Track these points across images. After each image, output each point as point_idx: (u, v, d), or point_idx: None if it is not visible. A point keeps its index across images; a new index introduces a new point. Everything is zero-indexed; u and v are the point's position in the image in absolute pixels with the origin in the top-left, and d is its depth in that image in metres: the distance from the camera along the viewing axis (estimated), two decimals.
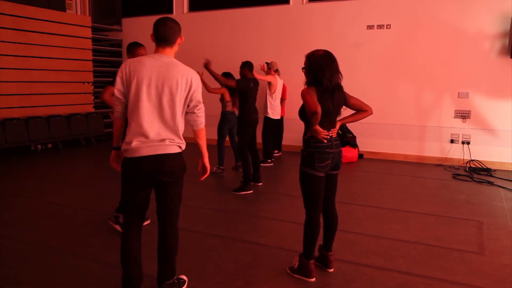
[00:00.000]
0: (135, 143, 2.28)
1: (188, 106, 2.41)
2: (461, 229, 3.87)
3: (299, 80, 8.53)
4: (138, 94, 2.28)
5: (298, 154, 8.11)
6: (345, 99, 2.82)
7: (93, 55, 8.88)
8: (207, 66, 5.10)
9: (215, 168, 5.98)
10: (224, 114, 5.96)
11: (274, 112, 6.69)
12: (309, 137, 2.75)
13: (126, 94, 2.34)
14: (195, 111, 2.44)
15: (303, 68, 2.80)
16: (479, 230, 3.85)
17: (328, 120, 2.76)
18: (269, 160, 6.78)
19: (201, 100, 2.45)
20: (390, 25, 7.07)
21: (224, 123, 5.96)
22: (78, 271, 2.96)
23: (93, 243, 3.45)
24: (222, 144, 6.02)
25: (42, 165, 6.74)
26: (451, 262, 3.14)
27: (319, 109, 2.54)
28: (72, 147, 8.33)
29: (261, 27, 8.15)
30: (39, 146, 7.78)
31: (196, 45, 8.80)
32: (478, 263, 3.14)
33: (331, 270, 2.98)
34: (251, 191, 5.08)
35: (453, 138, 6.87)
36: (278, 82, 6.72)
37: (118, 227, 3.60)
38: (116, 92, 2.35)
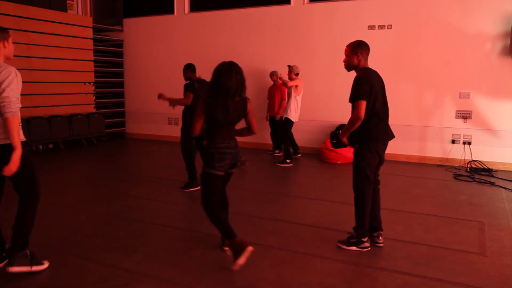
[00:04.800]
0: None
1: None
2: (462, 230, 3.86)
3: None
4: None
5: (302, 154, 8.07)
6: (244, 112, 3.03)
7: (94, 56, 8.89)
8: (161, 98, 5.20)
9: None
10: None
11: (296, 115, 6.70)
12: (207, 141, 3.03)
13: None
14: None
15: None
16: (481, 231, 3.84)
17: (226, 130, 2.99)
18: (287, 161, 6.74)
19: (8, 94, 2.65)
20: (391, 25, 7.07)
21: None
22: (78, 271, 2.96)
23: (93, 243, 3.44)
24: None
25: (43, 165, 6.74)
26: (452, 263, 3.12)
27: (195, 133, 3.00)
28: (73, 147, 8.34)
29: (262, 27, 8.15)
30: (40, 147, 7.78)
31: (197, 45, 8.81)
32: (480, 264, 3.13)
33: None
34: (199, 187, 5.00)
35: (454, 139, 6.85)
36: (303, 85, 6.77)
37: (353, 248, 3.34)
38: None
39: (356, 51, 3.32)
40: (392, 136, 3.37)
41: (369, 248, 3.32)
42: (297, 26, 7.81)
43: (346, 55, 3.37)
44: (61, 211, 4.37)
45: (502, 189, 5.36)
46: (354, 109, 3.18)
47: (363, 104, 3.13)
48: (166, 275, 2.90)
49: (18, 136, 2.66)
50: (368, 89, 3.16)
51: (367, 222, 3.32)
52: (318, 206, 4.60)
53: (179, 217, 4.20)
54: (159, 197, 4.90)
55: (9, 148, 2.64)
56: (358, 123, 3.18)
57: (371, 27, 7.19)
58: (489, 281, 2.86)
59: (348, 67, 3.39)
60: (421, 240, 3.57)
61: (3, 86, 2.68)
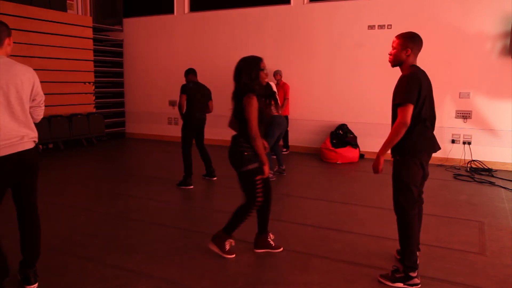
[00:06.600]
0: None
1: (33, 100, 2.60)
2: (462, 230, 3.86)
3: (299, 80, 8.54)
4: None
5: (302, 154, 8.06)
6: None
7: (94, 55, 8.89)
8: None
9: (276, 168, 5.98)
10: (273, 118, 5.71)
11: None
12: None
13: None
14: (40, 104, 2.65)
15: None
16: (480, 231, 3.84)
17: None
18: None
19: (43, 97, 2.66)
20: (391, 25, 7.06)
21: (274, 127, 5.74)
22: (78, 271, 2.96)
23: (93, 243, 3.44)
24: (277, 147, 5.96)
25: (43, 165, 6.71)
26: (452, 263, 3.13)
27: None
28: (73, 147, 8.34)
29: (262, 27, 8.15)
30: (40, 146, 7.79)
31: (196, 45, 8.81)
32: (479, 264, 3.13)
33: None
34: (192, 186, 5.23)
35: (454, 138, 6.85)
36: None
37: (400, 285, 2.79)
38: None
39: (407, 44, 2.85)
40: (438, 148, 2.85)
41: (420, 286, 2.78)
42: (297, 26, 7.81)
43: (394, 48, 2.85)
44: (61, 211, 4.37)
45: (502, 189, 5.36)
46: (399, 114, 2.66)
47: (410, 109, 2.62)
48: (166, 275, 2.90)
49: None
50: (417, 91, 2.66)
51: (415, 251, 2.81)
52: (318, 206, 4.60)
53: (179, 217, 4.20)
54: (159, 197, 4.90)
55: (31, 153, 2.64)
56: (404, 131, 2.65)
57: (371, 27, 7.18)
58: (489, 281, 2.86)
59: (394, 62, 2.89)
60: (421, 240, 3.55)
61: (38, 88, 2.61)
